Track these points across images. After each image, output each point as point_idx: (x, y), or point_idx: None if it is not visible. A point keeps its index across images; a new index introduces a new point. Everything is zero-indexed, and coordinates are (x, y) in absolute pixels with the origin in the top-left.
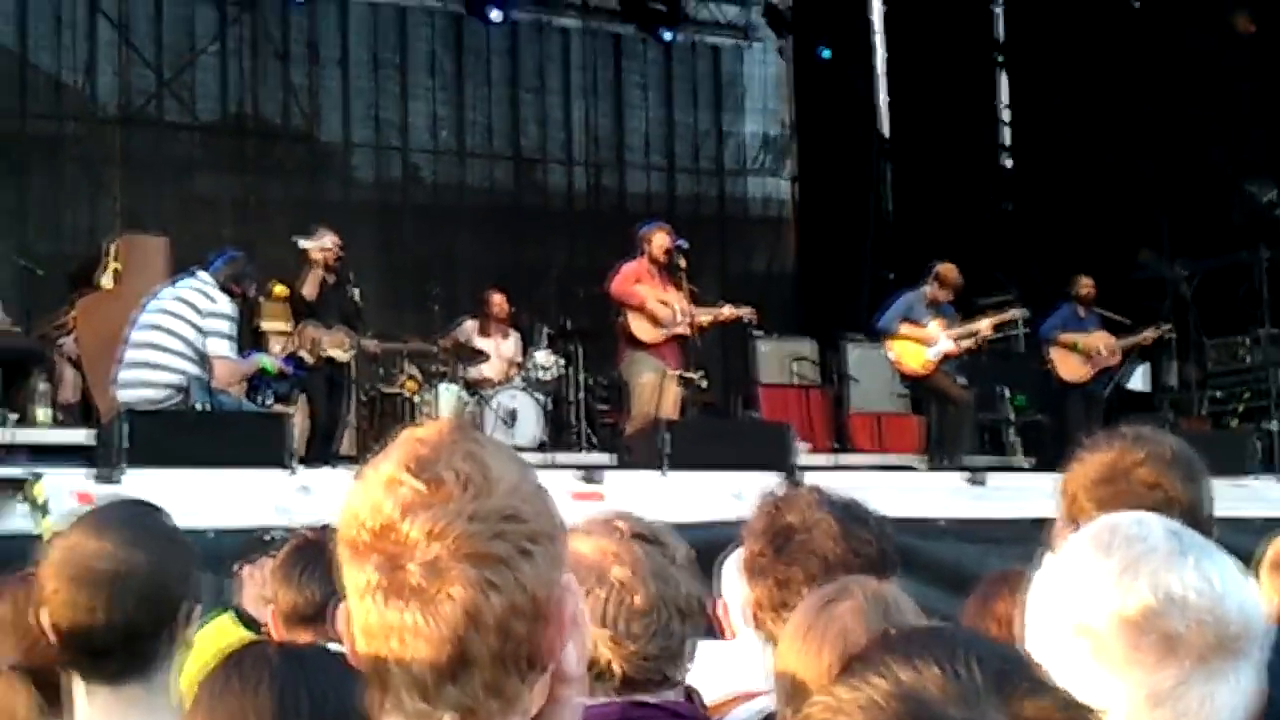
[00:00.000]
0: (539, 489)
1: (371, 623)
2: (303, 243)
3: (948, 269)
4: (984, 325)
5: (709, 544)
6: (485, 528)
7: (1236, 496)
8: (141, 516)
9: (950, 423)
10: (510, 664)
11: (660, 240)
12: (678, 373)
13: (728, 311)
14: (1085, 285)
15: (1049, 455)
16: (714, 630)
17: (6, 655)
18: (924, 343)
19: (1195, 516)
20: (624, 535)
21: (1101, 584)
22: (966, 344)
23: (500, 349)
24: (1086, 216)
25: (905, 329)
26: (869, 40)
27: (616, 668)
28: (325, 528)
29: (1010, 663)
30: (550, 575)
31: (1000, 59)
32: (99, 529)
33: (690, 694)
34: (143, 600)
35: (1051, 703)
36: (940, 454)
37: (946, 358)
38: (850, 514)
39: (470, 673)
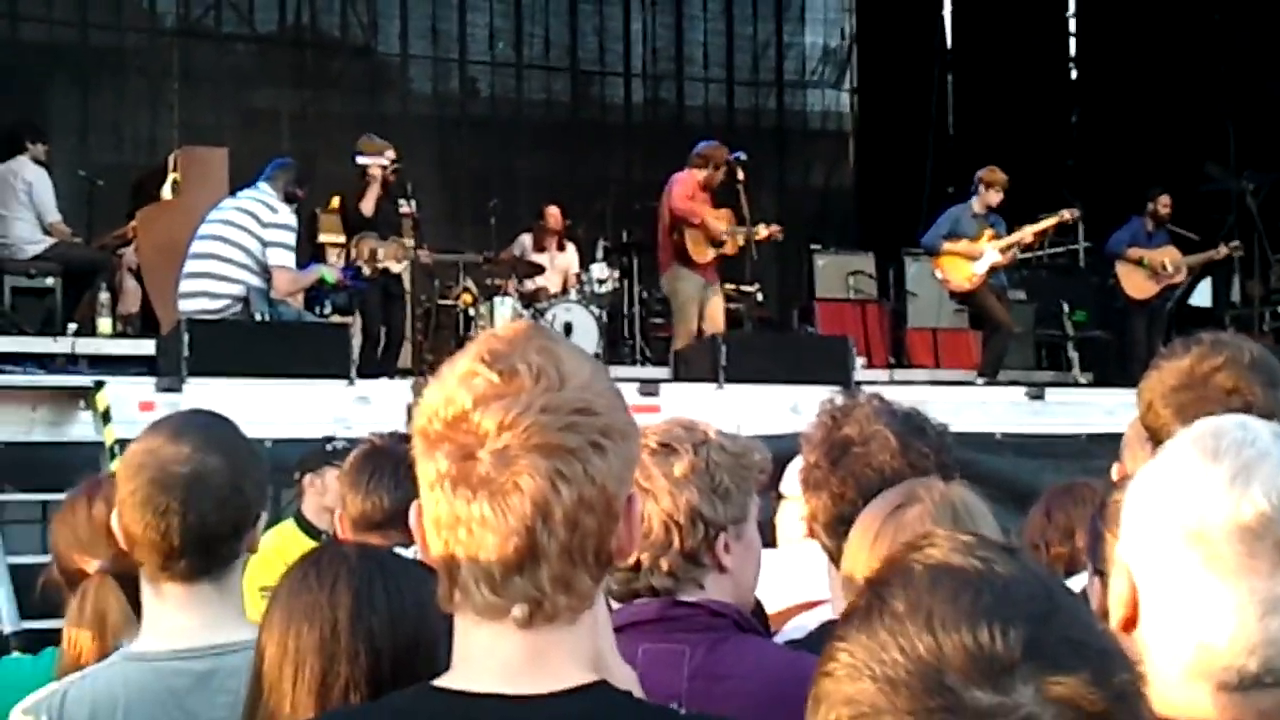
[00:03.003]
0: (613, 388)
1: (441, 514)
2: (361, 160)
3: (991, 171)
4: (1030, 230)
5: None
6: (556, 419)
7: None
8: (216, 424)
9: (991, 344)
10: (579, 558)
11: (715, 166)
12: (726, 287)
13: (762, 232)
14: (1163, 204)
15: (1108, 371)
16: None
17: (100, 555)
18: (970, 257)
19: (1276, 422)
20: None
21: (1213, 490)
22: (1013, 253)
23: (555, 262)
24: (1153, 129)
25: (950, 245)
26: None
27: None
28: (394, 434)
29: (1043, 620)
30: (622, 472)
31: None
32: (176, 434)
33: (754, 601)
34: (218, 503)
35: (1087, 672)
36: (981, 371)
37: (994, 269)
38: (909, 425)
39: (538, 565)
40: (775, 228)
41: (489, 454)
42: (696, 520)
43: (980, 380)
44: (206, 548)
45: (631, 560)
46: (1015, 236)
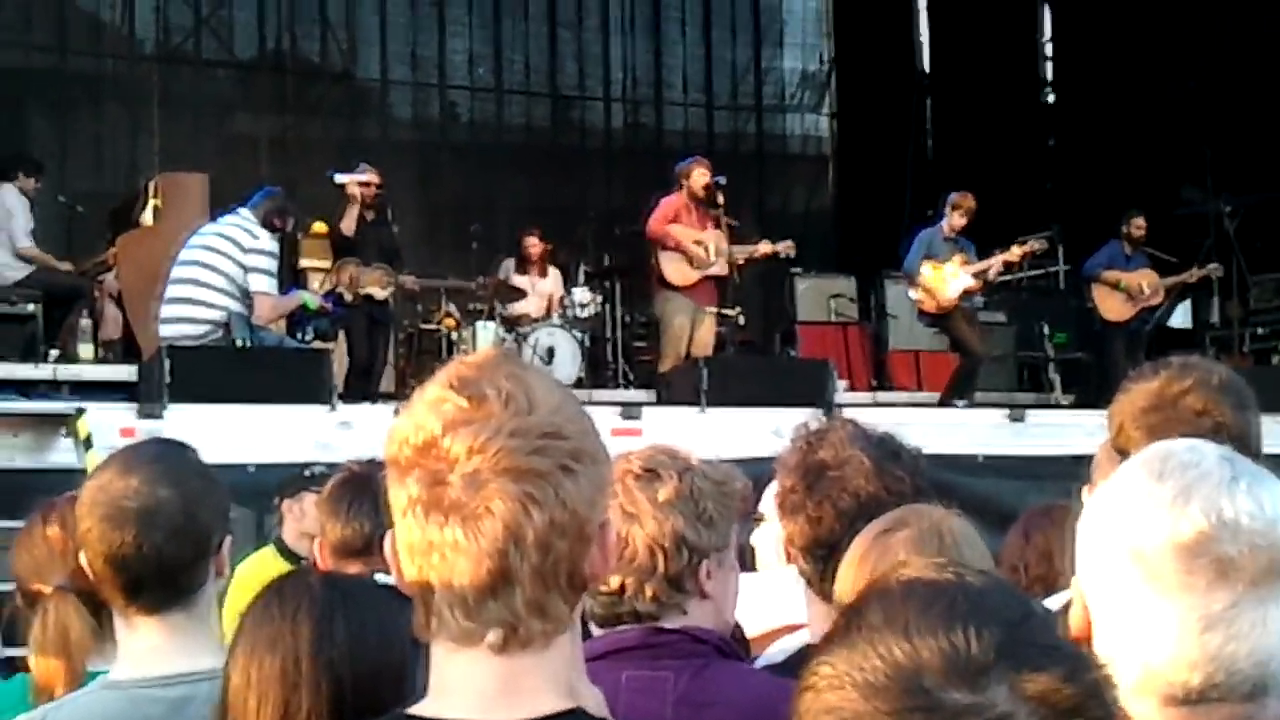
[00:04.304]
0: (582, 413)
1: (414, 540)
2: (340, 178)
3: (962, 196)
4: (1000, 259)
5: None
6: (526, 443)
7: None
8: (167, 454)
9: (959, 370)
10: (552, 581)
11: (699, 176)
12: (712, 311)
13: (764, 248)
14: (1138, 226)
15: (1089, 393)
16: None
17: (56, 575)
18: (944, 281)
19: (1245, 444)
20: (621, 472)
21: (1154, 509)
22: (984, 278)
23: (537, 286)
24: (1130, 152)
25: (926, 268)
26: None
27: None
28: (372, 461)
29: (1016, 626)
30: (593, 496)
31: None
32: (126, 468)
33: (734, 626)
34: (173, 533)
35: (1059, 671)
36: (947, 396)
37: (967, 294)
38: (884, 449)
39: (512, 589)
40: (785, 244)
41: (459, 478)
42: (681, 546)
43: (960, 403)
44: (167, 578)
45: (615, 584)
46: (986, 263)
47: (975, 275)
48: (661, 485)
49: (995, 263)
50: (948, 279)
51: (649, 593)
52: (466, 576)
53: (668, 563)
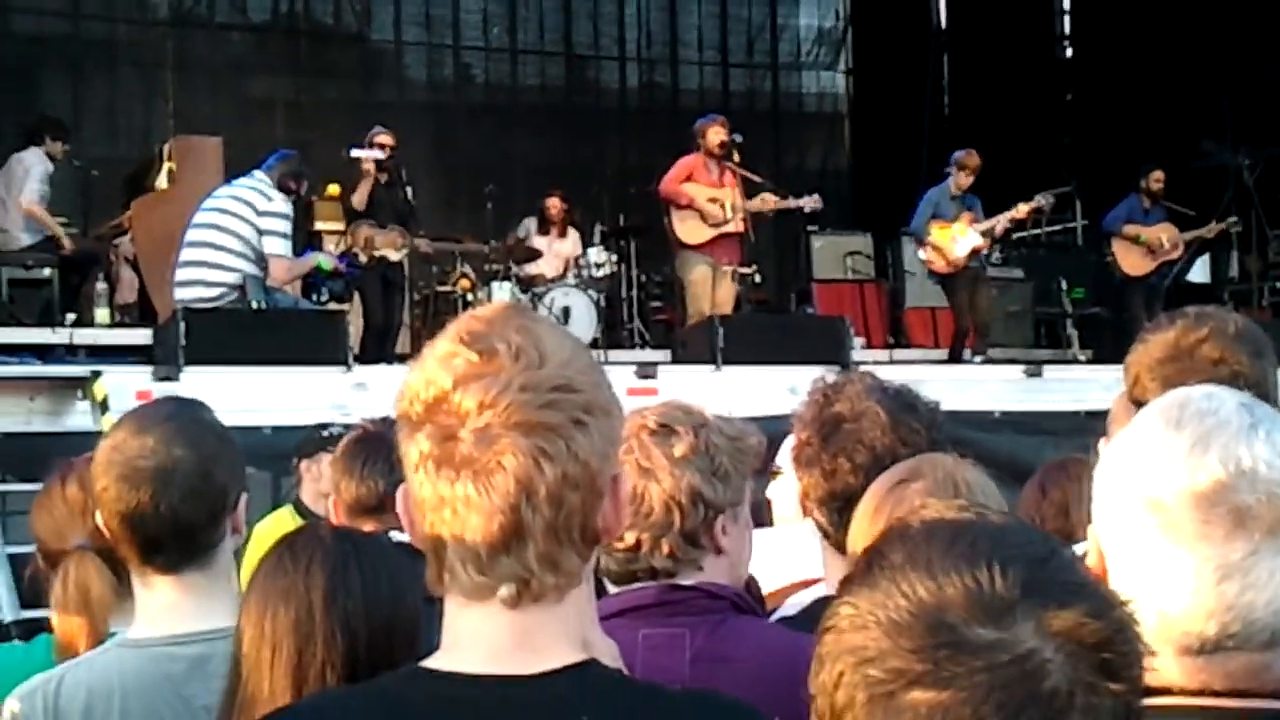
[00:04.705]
0: (593, 364)
1: (426, 496)
2: (356, 152)
3: (967, 154)
4: (1007, 215)
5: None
6: (536, 397)
7: None
8: (182, 412)
9: (958, 329)
10: (564, 535)
11: (715, 133)
12: (730, 268)
13: (777, 202)
14: (1156, 179)
15: (1107, 348)
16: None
17: (76, 535)
18: (952, 240)
19: (1262, 391)
20: (638, 426)
21: (1172, 458)
22: (992, 236)
23: (554, 247)
24: (1148, 105)
25: (934, 228)
26: None
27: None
28: (386, 419)
29: (1041, 563)
30: (605, 449)
31: None
32: (141, 427)
33: (750, 580)
34: (189, 493)
35: (1085, 606)
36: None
37: (974, 252)
38: (900, 402)
39: (524, 544)
40: (810, 199)
41: (470, 434)
42: (697, 501)
43: (978, 359)
44: (184, 538)
45: (630, 541)
46: (992, 222)
47: (983, 234)
48: (677, 441)
49: (1002, 220)
50: (955, 238)
51: (665, 549)
52: (479, 532)
53: (683, 519)
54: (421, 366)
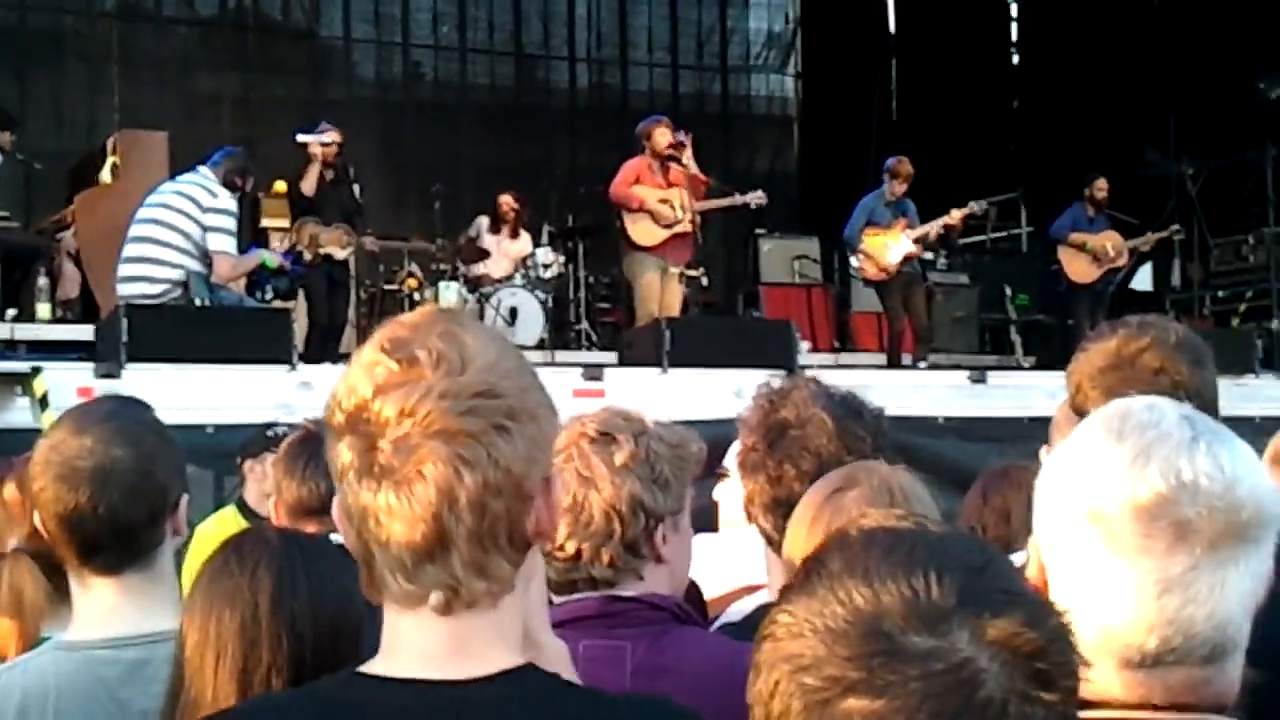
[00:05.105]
0: (522, 367)
1: (351, 504)
2: (302, 137)
3: (898, 162)
4: (939, 222)
5: (710, 441)
6: (456, 404)
7: (1238, 395)
8: (122, 411)
9: (892, 333)
10: (489, 542)
11: (660, 135)
12: (679, 269)
13: (726, 200)
14: (1100, 188)
15: (1051, 355)
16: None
17: (15, 537)
18: (885, 248)
19: (1202, 401)
20: (578, 434)
21: (1113, 470)
22: (925, 242)
23: (504, 247)
24: (1094, 113)
25: (869, 234)
26: None
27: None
28: None
29: (977, 571)
30: (531, 453)
31: None
32: (80, 427)
33: (692, 586)
34: (129, 492)
35: (1021, 615)
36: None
37: (908, 259)
38: (846, 408)
39: (449, 552)
40: (755, 194)
41: (390, 443)
42: (638, 510)
43: (922, 364)
44: (124, 538)
45: (571, 550)
46: (925, 228)
47: (916, 240)
48: (617, 449)
49: (935, 226)
50: (889, 244)
51: (605, 558)
52: (403, 541)
53: (624, 528)
54: (345, 375)
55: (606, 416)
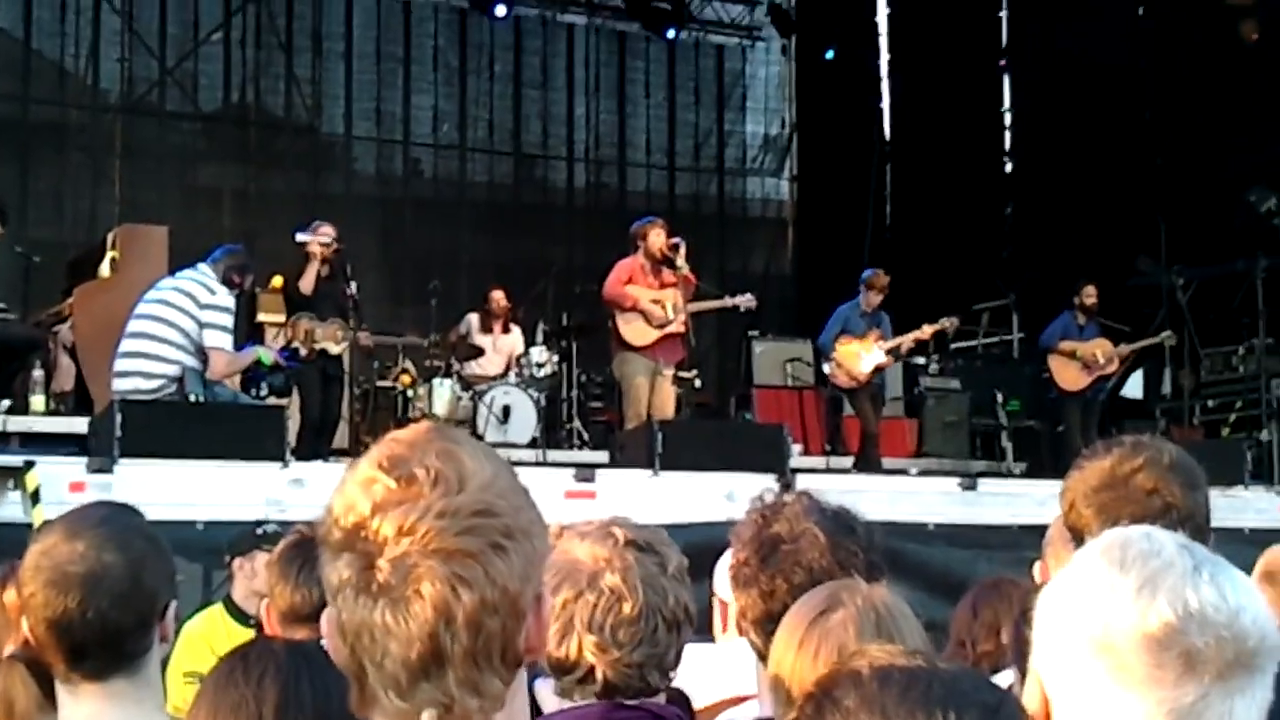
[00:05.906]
0: (515, 486)
1: (345, 621)
2: (301, 236)
3: (875, 275)
4: (911, 336)
5: (701, 545)
6: (454, 523)
7: (1228, 506)
8: (113, 518)
9: (864, 435)
10: (484, 660)
11: (655, 236)
12: (671, 370)
13: (717, 302)
14: (1088, 295)
15: (1042, 462)
16: (708, 630)
17: (10, 643)
18: (857, 357)
19: (1195, 523)
20: (619, 542)
21: (1119, 600)
22: (896, 355)
23: (498, 344)
24: (1086, 222)
25: (842, 343)
26: (873, 42)
27: (600, 673)
28: None
29: (992, 711)
30: (526, 571)
31: (1003, 63)
32: (72, 532)
33: (680, 696)
34: (118, 599)
35: None
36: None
37: (878, 369)
38: (839, 523)
39: (444, 670)
40: (745, 296)
41: (388, 562)
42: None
43: (914, 470)
44: (112, 645)
45: (638, 659)
46: (897, 341)
47: (888, 352)
48: (666, 560)
49: (907, 339)
50: (861, 354)
51: (666, 664)
52: (398, 659)
53: (680, 635)
54: (341, 490)
55: (639, 528)
